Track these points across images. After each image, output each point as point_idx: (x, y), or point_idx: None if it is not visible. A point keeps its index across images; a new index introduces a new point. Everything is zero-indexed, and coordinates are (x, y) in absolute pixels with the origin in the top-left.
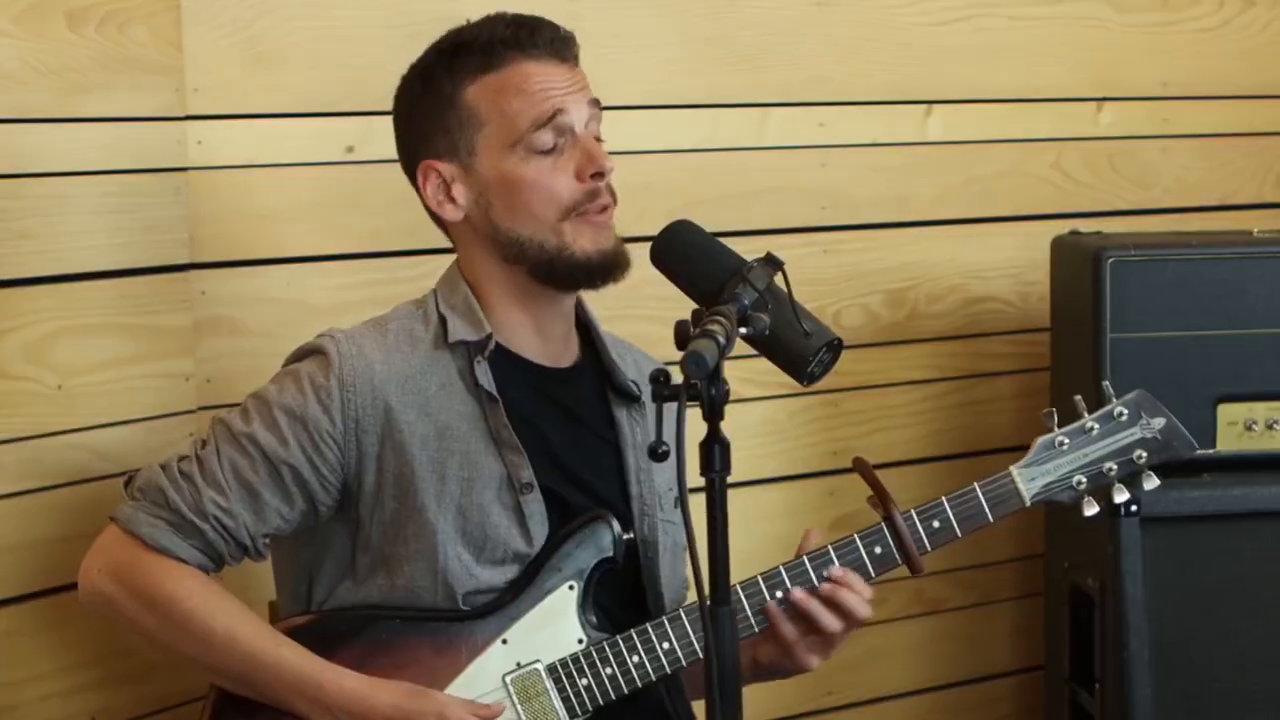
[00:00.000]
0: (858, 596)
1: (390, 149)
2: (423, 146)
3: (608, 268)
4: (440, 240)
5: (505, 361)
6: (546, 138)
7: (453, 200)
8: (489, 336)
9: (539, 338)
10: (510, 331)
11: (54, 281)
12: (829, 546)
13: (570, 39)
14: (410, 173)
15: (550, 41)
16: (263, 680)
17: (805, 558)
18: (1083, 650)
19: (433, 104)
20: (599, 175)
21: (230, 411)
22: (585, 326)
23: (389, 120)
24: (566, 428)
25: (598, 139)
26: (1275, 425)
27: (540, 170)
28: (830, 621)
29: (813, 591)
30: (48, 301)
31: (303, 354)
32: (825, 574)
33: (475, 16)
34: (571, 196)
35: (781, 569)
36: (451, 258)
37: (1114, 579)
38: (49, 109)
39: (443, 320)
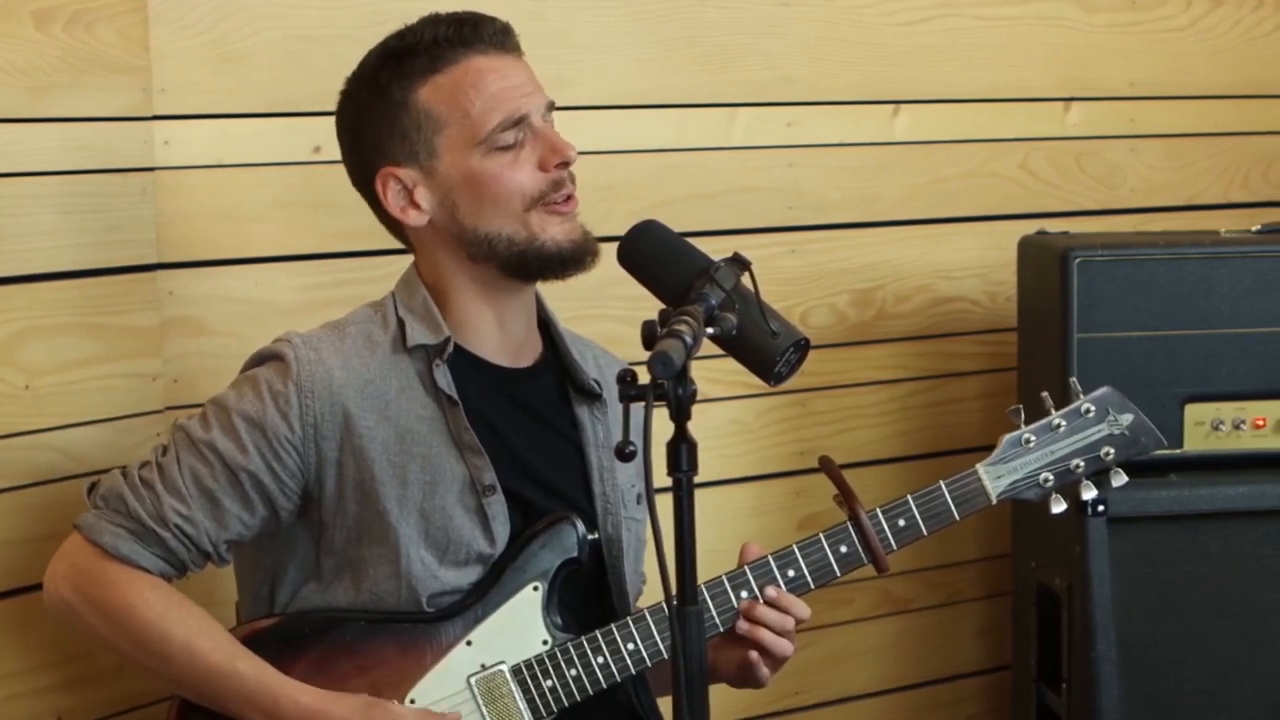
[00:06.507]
0: (780, 616)
1: None
2: (378, 155)
3: (578, 257)
4: None
5: (465, 363)
6: (509, 135)
7: (416, 205)
8: (447, 340)
9: (502, 335)
10: (471, 332)
11: (21, 281)
12: (794, 546)
13: (509, 29)
14: (365, 183)
15: (493, 35)
16: (220, 693)
17: (770, 557)
18: (1050, 650)
19: (383, 111)
20: (564, 165)
21: (190, 417)
22: (545, 325)
23: None
24: (528, 428)
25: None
26: (1242, 425)
27: (503, 164)
28: (780, 646)
29: (755, 620)
30: (14, 301)
31: (261, 359)
32: (767, 598)
33: None
34: (536, 186)
35: (747, 569)
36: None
37: (1081, 579)
38: (15, 109)
39: (401, 324)
